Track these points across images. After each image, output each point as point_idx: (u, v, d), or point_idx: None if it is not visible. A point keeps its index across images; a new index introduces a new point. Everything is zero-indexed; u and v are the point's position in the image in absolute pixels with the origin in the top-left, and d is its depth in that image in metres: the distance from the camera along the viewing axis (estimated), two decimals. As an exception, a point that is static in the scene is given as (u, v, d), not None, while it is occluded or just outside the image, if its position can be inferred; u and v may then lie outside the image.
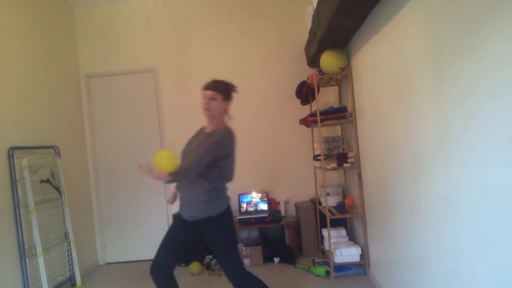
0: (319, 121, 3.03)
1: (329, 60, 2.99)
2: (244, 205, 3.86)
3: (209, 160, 1.87)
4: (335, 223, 3.56)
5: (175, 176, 1.74)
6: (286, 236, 3.83)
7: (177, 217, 2.19)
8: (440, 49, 1.51)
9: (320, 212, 3.62)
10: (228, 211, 2.03)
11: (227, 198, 2.07)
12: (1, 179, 2.72)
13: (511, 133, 1.11)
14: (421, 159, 1.78)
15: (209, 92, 1.96)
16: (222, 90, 1.96)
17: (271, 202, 3.86)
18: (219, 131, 1.96)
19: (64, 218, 3.36)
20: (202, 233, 2.04)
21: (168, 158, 1.70)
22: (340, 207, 3.12)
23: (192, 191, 1.97)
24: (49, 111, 3.39)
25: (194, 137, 2.20)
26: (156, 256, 2.04)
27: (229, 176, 2.05)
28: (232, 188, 3.94)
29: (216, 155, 1.89)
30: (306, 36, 3.94)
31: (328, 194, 3.56)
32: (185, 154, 2.09)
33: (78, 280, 3.33)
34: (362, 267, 3.13)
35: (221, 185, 2.02)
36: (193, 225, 2.03)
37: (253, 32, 4.01)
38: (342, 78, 3.17)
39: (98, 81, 4.08)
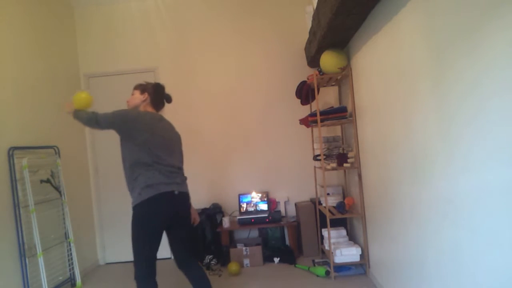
0: (319, 121, 3.03)
1: (329, 60, 2.99)
2: (244, 205, 3.86)
3: (112, 123, 2.08)
4: (335, 223, 3.56)
5: (75, 112, 2.21)
6: (286, 236, 3.83)
7: None
8: (440, 49, 1.51)
9: (320, 212, 3.62)
10: (145, 203, 2.02)
11: (148, 190, 2.03)
12: (1, 179, 2.72)
13: (510, 132, 1.11)
14: (421, 159, 1.79)
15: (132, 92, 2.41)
16: (138, 87, 2.32)
17: (271, 202, 3.86)
18: None
19: (64, 218, 3.36)
20: None
21: (81, 98, 2.24)
22: (340, 207, 3.12)
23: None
24: (49, 111, 3.39)
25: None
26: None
27: (144, 163, 2.06)
28: (232, 188, 4.00)
29: (118, 121, 2.07)
30: (306, 36, 3.94)
31: (328, 194, 3.56)
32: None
33: (78, 280, 3.33)
34: (362, 267, 3.13)
35: (137, 174, 2.06)
36: None
37: (253, 32, 4.01)
38: (342, 78, 3.17)
39: (98, 81, 4.08)
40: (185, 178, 2.28)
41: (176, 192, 2.12)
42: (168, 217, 2.10)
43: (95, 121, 2.11)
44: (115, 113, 2.08)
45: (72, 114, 2.23)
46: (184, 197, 2.19)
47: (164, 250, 3.99)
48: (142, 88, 2.28)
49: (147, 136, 2.07)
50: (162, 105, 2.34)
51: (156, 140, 2.10)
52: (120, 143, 2.13)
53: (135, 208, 2.05)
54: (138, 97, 2.27)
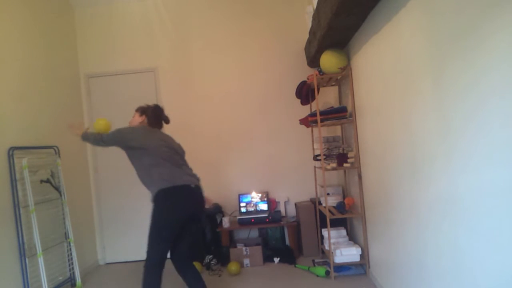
0: (319, 121, 3.03)
1: (329, 60, 2.99)
2: (244, 205, 3.86)
3: (113, 140, 2.32)
4: (335, 223, 3.56)
5: (83, 133, 2.46)
6: (286, 236, 3.83)
7: None
8: (440, 49, 1.51)
9: (320, 212, 3.62)
10: (162, 193, 2.21)
11: (164, 182, 2.23)
12: (1, 179, 2.72)
13: (511, 132, 1.11)
14: (421, 159, 1.78)
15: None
16: (139, 109, 2.52)
17: (271, 202, 3.86)
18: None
19: (64, 218, 3.36)
20: None
21: (101, 123, 2.48)
22: (340, 207, 3.12)
23: None
24: (49, 111, 3.39)
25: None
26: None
27: (153, 163, 2.26)
28: (232, 188, 4.00)
29: (117, 139, 2.31)
30: (306, 36, 3.94)
31: (328, 194, 3.56)
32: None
33: (78, 280, 3.33)
34: (362, 267, 3.13)
35: (152, 173, 2.27)
36: None
37: (253, 32, 4.01)
38: (342, 78, 3.17)
39: (98, 81, 4.08)
40: (194, 173, 2.46)
41: (192, 186, 2.28)
42: (189, 211, 2.25)
43: (100, 139, 2.36)
44: (115, 130, 2.34)
45: (80, 136, 2.48)
46: (200, 190, 2.35)
47: (164, 250, 3.99)
48: (141, 110, 2.51)
49: (145, 142, 2.26)
50: (160, 126, 2.54)
51: (155, 143, 2.29)
52: (129, 160, 2.33)
53: (155, 198, 2.22)
54: (137, 119, 2.50)
